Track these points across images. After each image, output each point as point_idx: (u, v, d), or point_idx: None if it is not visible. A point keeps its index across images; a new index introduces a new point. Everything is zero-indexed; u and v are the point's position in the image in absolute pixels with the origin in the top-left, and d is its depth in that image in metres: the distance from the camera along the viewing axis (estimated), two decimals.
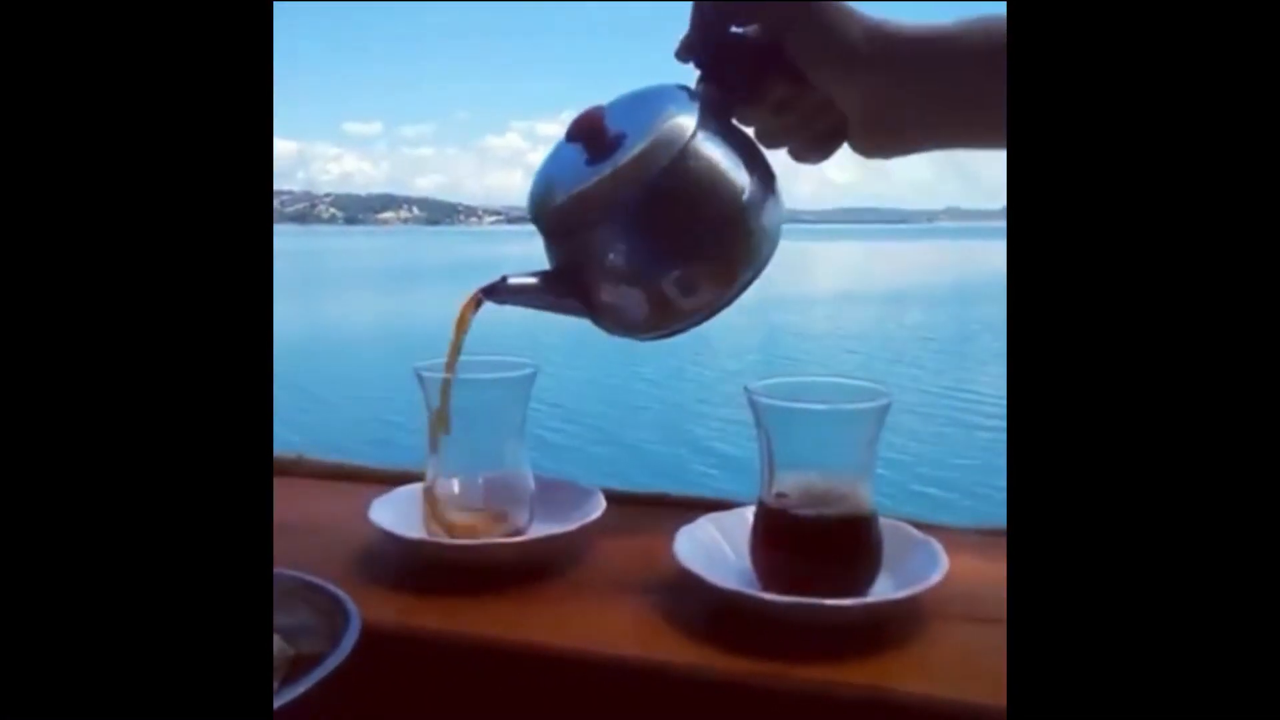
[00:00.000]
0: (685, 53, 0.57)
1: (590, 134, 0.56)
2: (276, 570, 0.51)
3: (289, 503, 0.74)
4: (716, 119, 0.56)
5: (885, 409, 0.53)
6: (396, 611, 0.56)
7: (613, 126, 0.56)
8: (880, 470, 0.56)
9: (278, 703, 0.42)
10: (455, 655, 0.56)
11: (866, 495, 0.54)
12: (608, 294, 0.57)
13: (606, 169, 0.55)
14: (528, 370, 0.61)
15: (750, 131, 0.59)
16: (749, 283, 0.58)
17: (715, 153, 0.56)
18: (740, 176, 0.56)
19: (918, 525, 0.59)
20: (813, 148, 0.59)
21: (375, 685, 0.51)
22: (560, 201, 0.57)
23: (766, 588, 0.53)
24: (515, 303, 0.57)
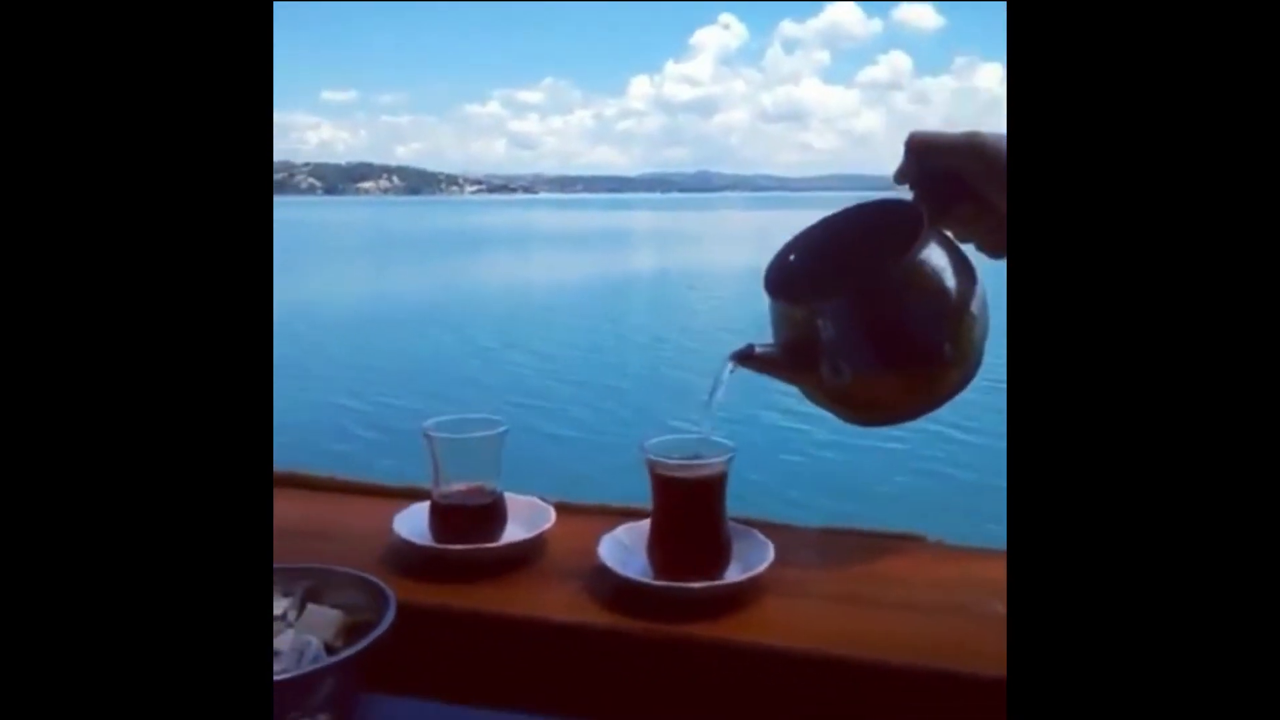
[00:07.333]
0: (900, 178, 0.66)
1: None
2: (335, 567, 0.62)
3: (328, 513, 0.89)
4: (939, 233, 0.60)
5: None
6: (417, 594, 0.68)
7: None
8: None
9: (342, 656, 0.52)
10: (457, 623, 0.70)
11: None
12: (837, 378, 0.59)
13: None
14: (501, 429, 0.79)
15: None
16: (958, 388, 0.59)
17: (945, 258, 0.60)
18: (965, 284, 0.60)
19: (763, 527, 0.75)
20: (998, 247, 0.66)
21: (405, 644, 0.58)
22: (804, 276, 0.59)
23: (657, 576, 0.70)
24: (759, 370, 0.61)
